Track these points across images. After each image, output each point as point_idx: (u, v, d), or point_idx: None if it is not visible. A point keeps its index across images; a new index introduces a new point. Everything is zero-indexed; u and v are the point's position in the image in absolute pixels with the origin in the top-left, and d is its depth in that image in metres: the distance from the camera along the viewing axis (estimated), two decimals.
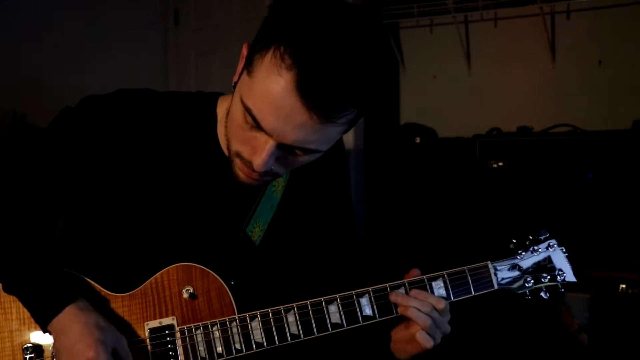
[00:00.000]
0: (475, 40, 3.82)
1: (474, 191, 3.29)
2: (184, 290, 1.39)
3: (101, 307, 1.38)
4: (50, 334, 1.33)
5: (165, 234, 1.42)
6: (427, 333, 1.37)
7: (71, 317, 1.29)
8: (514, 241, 1.49)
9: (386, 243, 3.57)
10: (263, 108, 1.22)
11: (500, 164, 3.22)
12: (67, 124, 1.40)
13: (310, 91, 1.17)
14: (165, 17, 4.65)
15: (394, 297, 1.39)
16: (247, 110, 1.24)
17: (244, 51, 1.30)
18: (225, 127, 1.38)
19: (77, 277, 1.39)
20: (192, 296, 1.39)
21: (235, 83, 1.33)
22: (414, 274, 1.43)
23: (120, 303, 1.39)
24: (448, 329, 1.41)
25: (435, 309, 1.38)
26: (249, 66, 1.24)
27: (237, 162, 1.35)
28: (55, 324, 1.30)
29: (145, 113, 1.41)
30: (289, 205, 1.54)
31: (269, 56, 1.19)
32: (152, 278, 1.40)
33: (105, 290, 1.40)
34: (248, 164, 1.32)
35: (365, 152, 3.87)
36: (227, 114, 1.37)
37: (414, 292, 1.40)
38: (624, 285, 2.76)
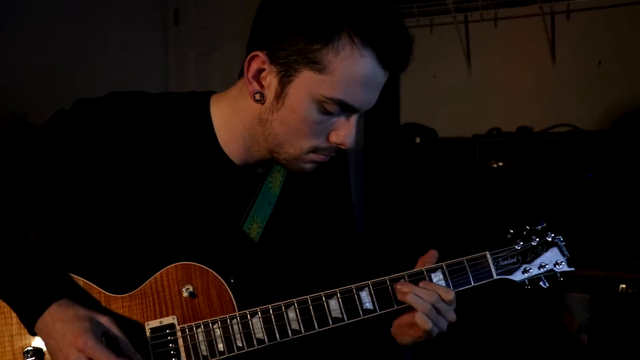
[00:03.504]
0: (475, 40, 3.82)
1: (474, 191, 3.29)
2: (183, 289, 1.39)
3: (101, 308, 1.38)
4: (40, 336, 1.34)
5: (164, 234, 1.43)
6: (428, 317, 1.37)
7: (53, 317, 1.29)
8: (512, 231, 1.49)
9: (386, 243, 3.56)
10: (356, 90, 1.31)
11: (500, 164, 3.22)
12: (61, 127, 1.40)
13: (389, 57, 1.31)
14: (165, 17, 4.65)
15: (400, 285, 1.39)
16: (335, 101, 1.31)
17: (259, 61, 1.34)
18: (270, 135, 1.39)
19: (64, 278, 1.38)
20: (192, 295, 1.39)
21: (262, 94, 1.36)
22: (432, 255, 1.45)
23: (120, 304, 1.39)
24: (454, 318, 1.42)
25: (442, 299, 1.39)
26: (315, 64, 1.29)
27: (309, 156, 1.40)
28: (40, 326, 1.30)
29: (138, 114, 1.41)
30: (288, 201, 1.54)
31: (342, 46, 1.28)
32: (152, 278, 1.40)
33: (105, 292, 1.40)
34: (330, 149, 1.40)
35: (365, 152, 3.87)
36: (261, 121, 1.39)
37: (422, 283, 1.40)
38: (623, 285, 2.76)
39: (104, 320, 1.32)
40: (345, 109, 1.34)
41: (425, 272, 1.42)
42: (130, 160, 1.40)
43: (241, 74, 1.41)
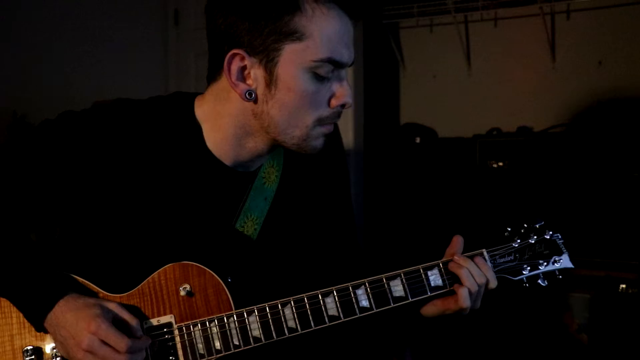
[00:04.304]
0: (475, 40, 3.82)
1: (474, 191, 3.29)
2: (181, 289, 1.39)
3: None
4: (46, 331, 1.34)
5: (159, 235, 1.43)
6: (470, 296, 1.39)
7: (63, 310, 1.31)
8: (509, 229, 1.48)
9: (386, 243, 3.57)
10: (337, 45, 1.35)
11: (500, 164, 3.23)
12: (47, 137, 1.40)
13: (350, 5, 1.36)
14: (165, 17, 4.64)
15: (457, 257, 1.41)
16: (325, 61, 1.33)
17: (238, 60, 1.35)
18: (270, 125, 1.39)
19: (67, 276, 1.40)
20: (189, 294, 1.39)
21: (251, 91, 1.36)
22: (457, 241, 1.45)
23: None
24: (478, 305, 1.43)
25: (487, 285, 1.41)
26: (293, 35, 1.31)
27: (317, 131, 1.41)
28: (50, 320, 1.32)
29: (123, 121, 1.41)
30: (286, 197, 1.54)
31: (310, 8, 1.31)
32: (150, 277, 1.41)
33: (103, 292, 1.41)
34: (334, 115, 1.41)
35: (365, 152, 3.87)
36: (256, 115, 1.39)
37: (479, 260, 1.42)
38: (624, 285, 2.76)
39: (113, 306, 1.35)
40: (336, 66, 1.36)
41: (421, 270, 1.42)
42: (118, 166, 1.40)
43: (210, 78, 1.43)
